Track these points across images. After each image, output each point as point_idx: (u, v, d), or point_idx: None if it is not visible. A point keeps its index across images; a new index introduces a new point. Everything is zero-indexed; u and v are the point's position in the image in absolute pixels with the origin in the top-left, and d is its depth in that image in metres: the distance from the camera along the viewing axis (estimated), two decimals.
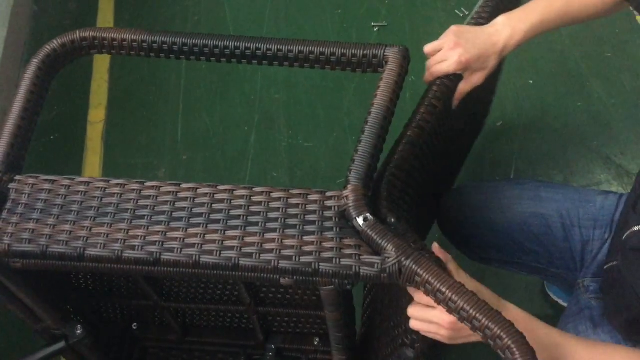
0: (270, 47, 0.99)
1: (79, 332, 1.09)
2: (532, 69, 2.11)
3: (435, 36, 1.16)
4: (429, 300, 0.80)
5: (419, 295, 0.84)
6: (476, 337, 0.78)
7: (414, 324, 0.88)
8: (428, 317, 0.85)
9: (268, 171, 1.97)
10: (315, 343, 1.30)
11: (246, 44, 1.00)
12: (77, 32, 1.03)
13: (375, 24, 2.28)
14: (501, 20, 1.15)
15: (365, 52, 0.97)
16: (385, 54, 0.96)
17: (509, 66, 2.07)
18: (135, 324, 1.32)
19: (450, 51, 1.11)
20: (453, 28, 1.14)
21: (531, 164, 1.91)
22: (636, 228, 1.00)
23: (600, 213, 1.23)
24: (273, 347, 1.30)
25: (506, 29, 1.14)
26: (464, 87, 1.16)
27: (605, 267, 1.15)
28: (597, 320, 1.19)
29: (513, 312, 0.87)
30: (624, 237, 1.04)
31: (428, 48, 1.15)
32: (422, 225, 1.31)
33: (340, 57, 0.98)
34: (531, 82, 2.08)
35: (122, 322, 1.33)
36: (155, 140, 2.08)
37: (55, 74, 1.04)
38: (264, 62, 1.01)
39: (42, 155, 2.08)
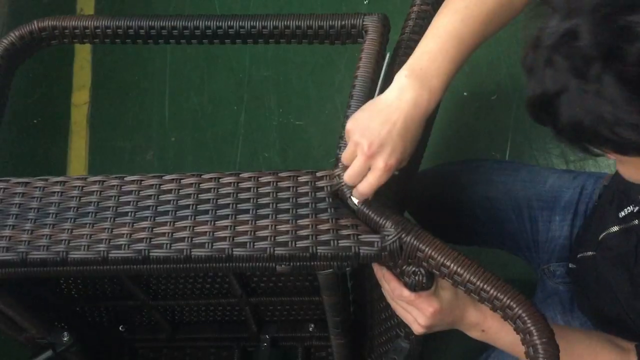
0: (243, 24, 0.94)
1: (65, 339, 1.04)
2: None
3: None
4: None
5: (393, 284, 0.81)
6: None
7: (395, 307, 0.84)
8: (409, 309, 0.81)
9: (259, 151, 1.91)
10: (310, 329, 1.27)
11: (216, 23, 0.94)
12: (35, 22, 0.96)
13: None
14: (406, 83, 0.77)
15: (343, 22, 0.93)
16: (364, 23, 0.92)
17: (502, 39, 2.00)
18: (122, 325, 1.27)
19: (371, 160, 0.77)
20: (351, 124, 0.78)
21: (527, 137, 1.86)
22: (615, 229, 0.95)
23: (548, 193, 1.20)
24: (267, 337, 1.27)
25: (417, 92, 0.77)
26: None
27: (578, 256, 1.10)
28: (567, 305, 1.17)
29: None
30: (600, 237, 0.99)
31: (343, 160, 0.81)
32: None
33: (317, 30, 0.94)
34: None
35: (109, 325, 1.28)
36: (142, 121, 2.00)
37: (15, 69, 0.98)
38: (237, 40, 0.97)
39: (26, 140, 1.98)
